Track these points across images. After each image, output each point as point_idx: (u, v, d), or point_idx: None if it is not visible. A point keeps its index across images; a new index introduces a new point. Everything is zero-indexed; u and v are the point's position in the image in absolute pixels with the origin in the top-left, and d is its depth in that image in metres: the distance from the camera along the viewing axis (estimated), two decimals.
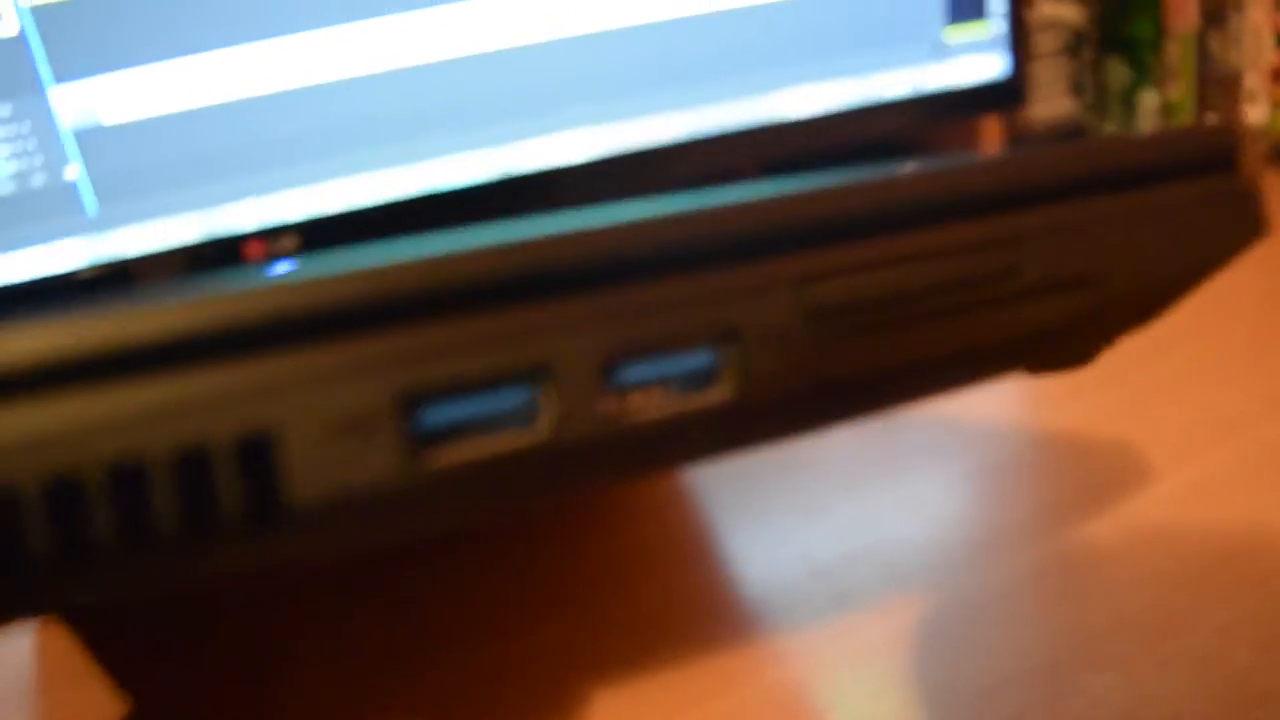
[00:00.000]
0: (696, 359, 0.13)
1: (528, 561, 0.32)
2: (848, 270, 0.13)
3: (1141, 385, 0.39)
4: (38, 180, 0.46)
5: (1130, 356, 0.42)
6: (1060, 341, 0.15)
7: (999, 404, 0.39)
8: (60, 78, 0.44)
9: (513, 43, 0.49)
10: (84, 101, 0.45)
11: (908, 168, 0.15)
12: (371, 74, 0.47)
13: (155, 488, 0.11)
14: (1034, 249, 0.14)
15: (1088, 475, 0.33)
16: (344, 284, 0.12)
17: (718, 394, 0.13)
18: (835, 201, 0.13)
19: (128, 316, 0.11)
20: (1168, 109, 0.65)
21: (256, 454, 0.11)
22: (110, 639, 0.31)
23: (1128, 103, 0.69)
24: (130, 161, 0.46)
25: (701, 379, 0.13)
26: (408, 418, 0.12)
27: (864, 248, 0.14)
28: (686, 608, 0.29)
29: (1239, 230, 0.16)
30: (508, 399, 0.13)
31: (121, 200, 0.46)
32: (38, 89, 0.44)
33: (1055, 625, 0.26)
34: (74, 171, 0.46)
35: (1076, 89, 0.70)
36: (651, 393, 0.13)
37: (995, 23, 0.57)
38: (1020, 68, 0.59)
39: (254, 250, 0.48)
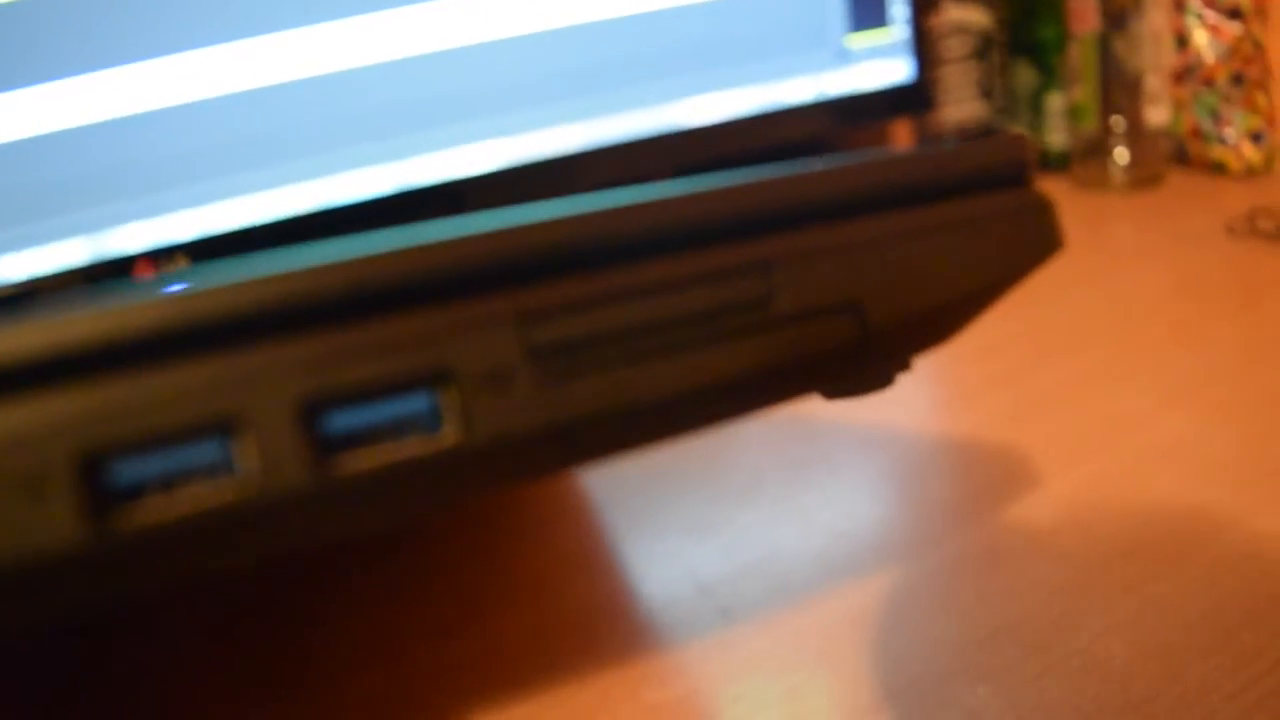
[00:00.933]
0: (412, 403, 0.12)
1: (420, 581, 0.31)
2: (575, 305, 0.13)
3: (1038, 387, 0.39)
4: None
5: (1026, 358, 0.42)
6: (836, 369, 0.14)
7: (895, 411, 0.38)
8: None
9: (411, 52, 0.48)
10: None
11: (679, 188, 0.14)
12: (260, 88, 0.46)
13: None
14: (787, 275, 0.13)
15: (978, 483, 0.33)
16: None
17: (444, 439, 0.12)
18: (561, 231, 0.13)
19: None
20: (1073, 111, 0.66)
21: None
22: (14, 664, 0.30)
23: (1035, 105, 0.70)
24: (13, 184, 0.45)
25: (423, 423, 0.12)
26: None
27: (593, 280, 0.13)
28: (578, 627, 0.28)
29: (1029, 246, 0.15)
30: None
31: (4, 225, 0.45)
32: None
33: (935, 636, 0.26)
34: None
35: (986, 92, 0.71)
36: (367, 443, 0.12)
37: (897, 28, 0.57)
38: (925, 72, 0.60)
39: (144, 271, 0.47)
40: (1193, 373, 0.39)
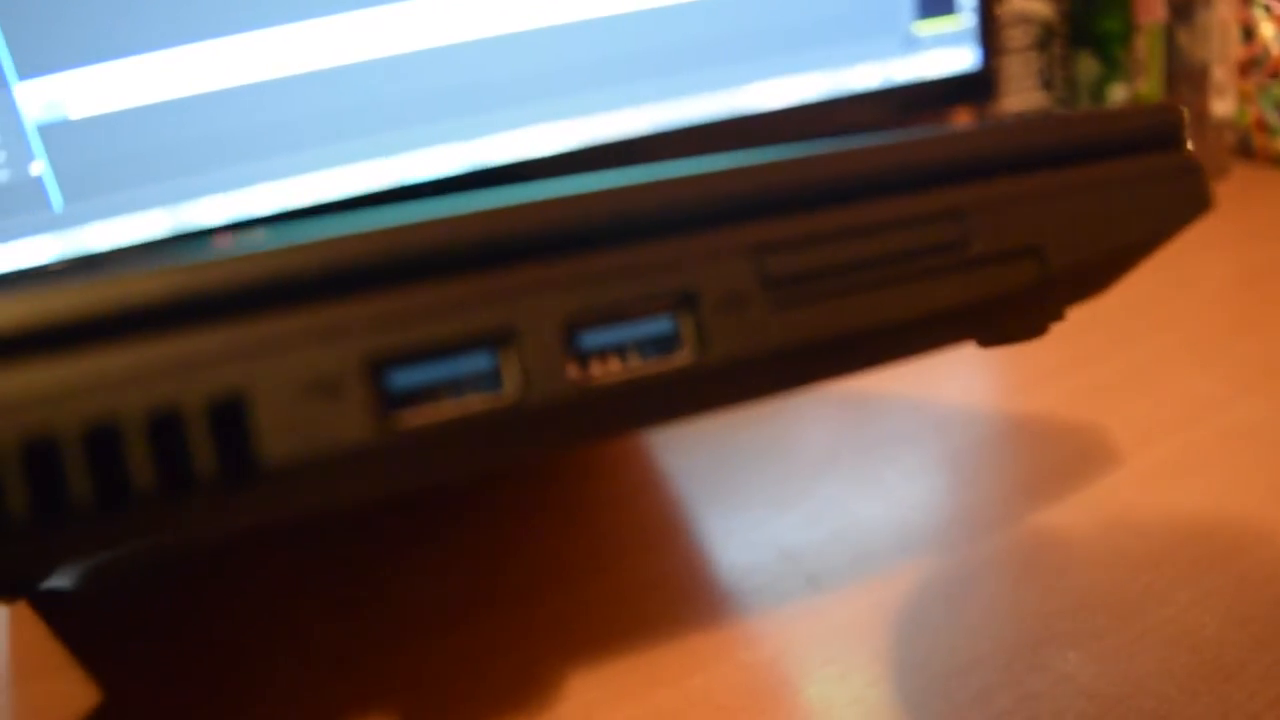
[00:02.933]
0: (657, 325, 0.13)
1: (509, 547, 0.32)
2: (803, 240, 0.14)
3: (1110, 371, 0.39)
4: (2, 176, 0.45)
5: (1099, 343, 0.42)
6: (1010, 311, 0.15)
7: (968, 391, 0.39)
8: (24, 74, 0.44)
9: (485, 34, 0.49)
10: (49, 97, 0.44)
11: (862, 141, 0.15)
12: (339, 67, 0.47)
13: (130, 448, 0.11)
14: (981, 221, 0.14)
15: (1055, 460, 0.33)
16: (311, 251, 0.12)
17: (678, 359, 0.13)
18: (790, 172, 0.14)
19: (101, 284, 0.11)
20: (1137, 102, 0.65)
21: (229, 415, 0.11)
22: (84, 630, 0.31)
23: (1097, 96, 0.70)
24: (96, 156, 0.46)
25: (663, 344, 0.13)
26: (376, 380, 0.12)
27: (818, 218, 0.14)
28: (662, 591, 0.29)
29: (1183, 205, 0.16)
30: (473, 363, 0.13)
31: (88, 196, 0.46)
32: (5, 84, 0.44)
33: (1022, 606, 0.26)
34: (39, 167, 0.45)
35: (1046, 83, 0.71)
36: (613, 358, 0.13)
37: (965, 16, 0.57)
38: (990, 61, 0.60)
39: (223, 244, 0.48)
40: (1261, 360, 0.39)
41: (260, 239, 0.13)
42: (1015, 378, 0.40)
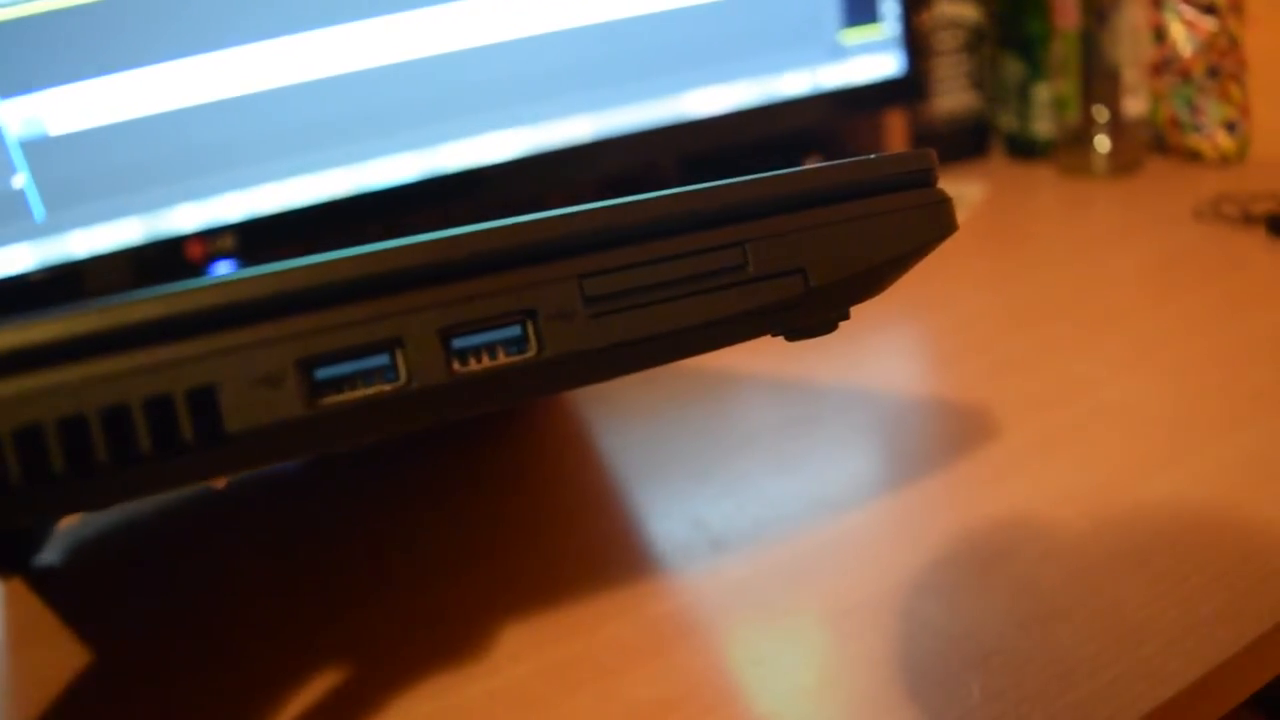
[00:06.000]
0: (510, 331, 0.18)
1: (451, 520, 0.36)
2: (613, 268, 0.19)
3: (1008, 352, 0.43)
4: None
5: (1000, 328, 0.46)
6: (793, 315, 0.20)
7: (883, 374, 0.43)
8: (5, 93, 0.47)
9: (435, 50, 0.52)
10: (29, 113, 0.48)
11: (678, 189, 0.19)
12: (301, 83, 0.51)
13: (136, 422, 0.16)
14: (757, 249, 0.19)
15: (943, 434, 0.37)
16: (261, 283, 0.17)
17: (526, 355, 0.18)
18: (605, 218, 0.19)
19: (118, 308, 0.16)
20: (1058, 101, 0.70)
21: (204, 399, 0.16)
22: (72, 602, 0.35)
23: (1024, 95, 0.74)
24: (75, 169, 0.49)
25: (514, 345, 0.18)
26: (307, 374, 0.17)
27: (625, 252, 0.19)
28: (588, 556, 0.33)
29: (929, 230, 0.21)
30: (377, 361, 0.18)
31: (68, 206, 0.49)
32: None
33: (894, 559, 0.30)
34: (20, 180, 0.48)
35: (977, 84, 0.75)
36: (481, 354, 0.17)
37: (889, 25, 0.61)
38: (917, 66, 0.64)
39: (195, 250, 0.51)
40: (1142, 343, 0.43)
41: (226, 272, 0.17)
42: (925, 361, 0.44)
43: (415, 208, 0.54)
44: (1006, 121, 0.75)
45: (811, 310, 0.20)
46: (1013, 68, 0.74)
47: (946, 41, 0.73)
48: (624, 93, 0.56)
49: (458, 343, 0.18)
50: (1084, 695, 0.25)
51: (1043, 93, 0.72)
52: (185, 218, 0.51)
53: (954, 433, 0.37)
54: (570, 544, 0.34)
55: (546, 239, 0.18)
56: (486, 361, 0.18)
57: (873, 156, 0.20)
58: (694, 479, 0.37)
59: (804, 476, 0.36)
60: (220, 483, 0.23)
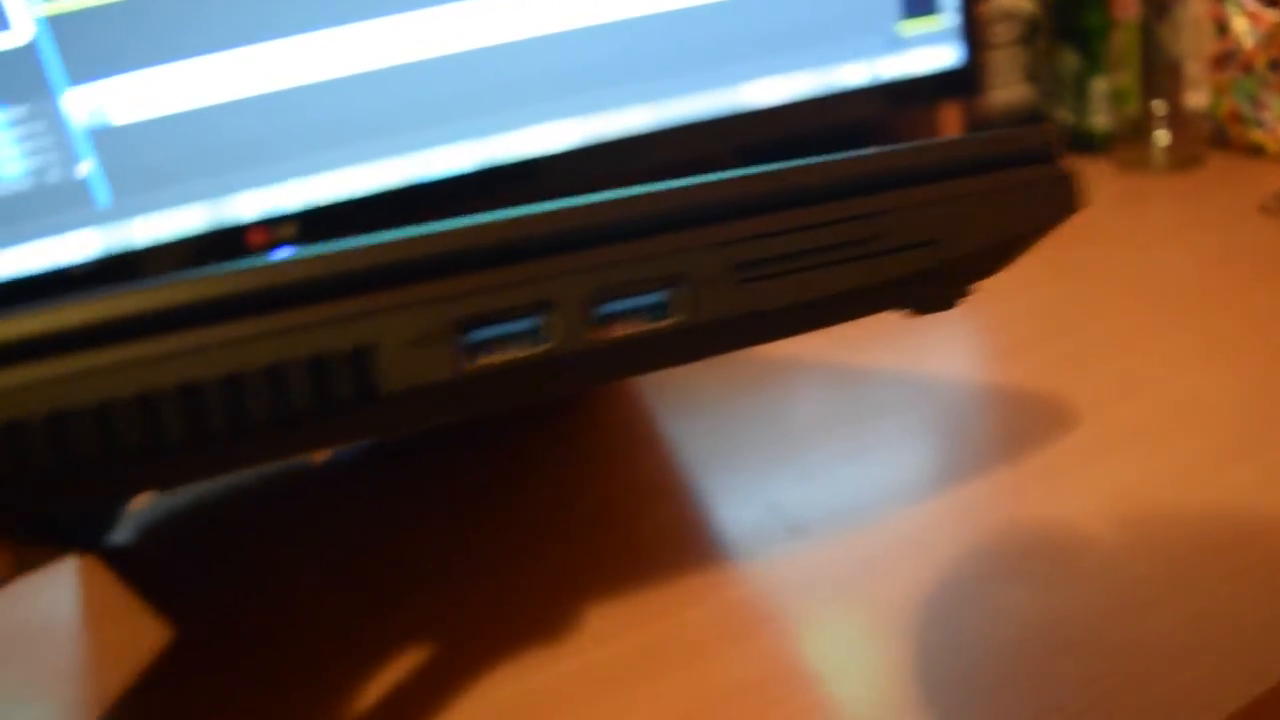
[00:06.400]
0: (653, 298, 0.18)
1: (523, 503, 0.36)
2: (759, 235, 0.18)
3: (1065, 349, 0.43)
4: (53, 176, 0.49)
5: (1068, 320, 0.45)
6: (920, 288, 0.20)
7: (948, 363, 0.42)
8: (74, 81, 0.48)
9: (495, 40, 0.52)
10: (96, 102, 0.48)
11: (809, 159, 0.19)
12: (362, 73, 0.51)
13: (294, 380, 0.16)
14: (893, 220, 0.19)
15: (1015, 425, 0.37)
16: (419, 244, 0.17)
17: (671, 321, 0.18)
18: (751, 185, 0.18)
19: (284, 265, 0.16)
20: (1116, 95, 0.69)
21: (362, 358, 0.16)
22: (149, 576, 0.35)
23: (1079, 89, 0.73)
24: (139, 157, 0.50)
25: (658, 311, 0.18)
26: (459, 336, 0.17)
27: (773, 219, 0.19)
28: (663, 540, 0.33)
29: (1053, 207, 0.21)
30: (524, 324, 0.18)
31: (132, 193, 0.50)
32: (52, 92, 0.48)
33: (972, 548, 0.30)
34: (87, 167, 0.49)
35: (1032, 76, 0.74)
36: (624, 320, 0.18)
37: (948, 16, 0.61)
38: (974, 58, 0.63)
39: (256, 237, 0.52)
40: (1206, 338, 0.42)
41: (382, 235, 0.17)
42: (989, 353, 0.43)
43: (472, 198, 0.54)
44: (1062, 115, 0.75)
45: (941, 284, 0.20)
46: (1069, 60, 0.73)
47: (1002, 34, 0.72)
48: (682, 83, 0.56)
49: (606, 308, 0.18)
50: (1176, 685, 0.24)
51: (1100, 86, 0.72)
52: (247, 206, 0.51)
53: (1022, 425, 0.37)
54: (645, 528, 0.34)
55: (692, 205, 0.18)
56: (632, 327, 0.18)
57: (999, 131, 0.20)
58: (766, 466, 0.36)
59: (877, 464, 0.35)
60: (320, 456, 0.23)
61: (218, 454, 0.16)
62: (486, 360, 0.17)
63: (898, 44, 0.60)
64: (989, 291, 0.51)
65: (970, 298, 0.20)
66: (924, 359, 0.44)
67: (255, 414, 0.16)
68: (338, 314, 0.16)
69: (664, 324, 0.18)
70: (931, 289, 0.20)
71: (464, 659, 0.29)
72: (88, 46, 0.48)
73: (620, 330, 0.18)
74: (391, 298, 0.16)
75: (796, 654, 0.27)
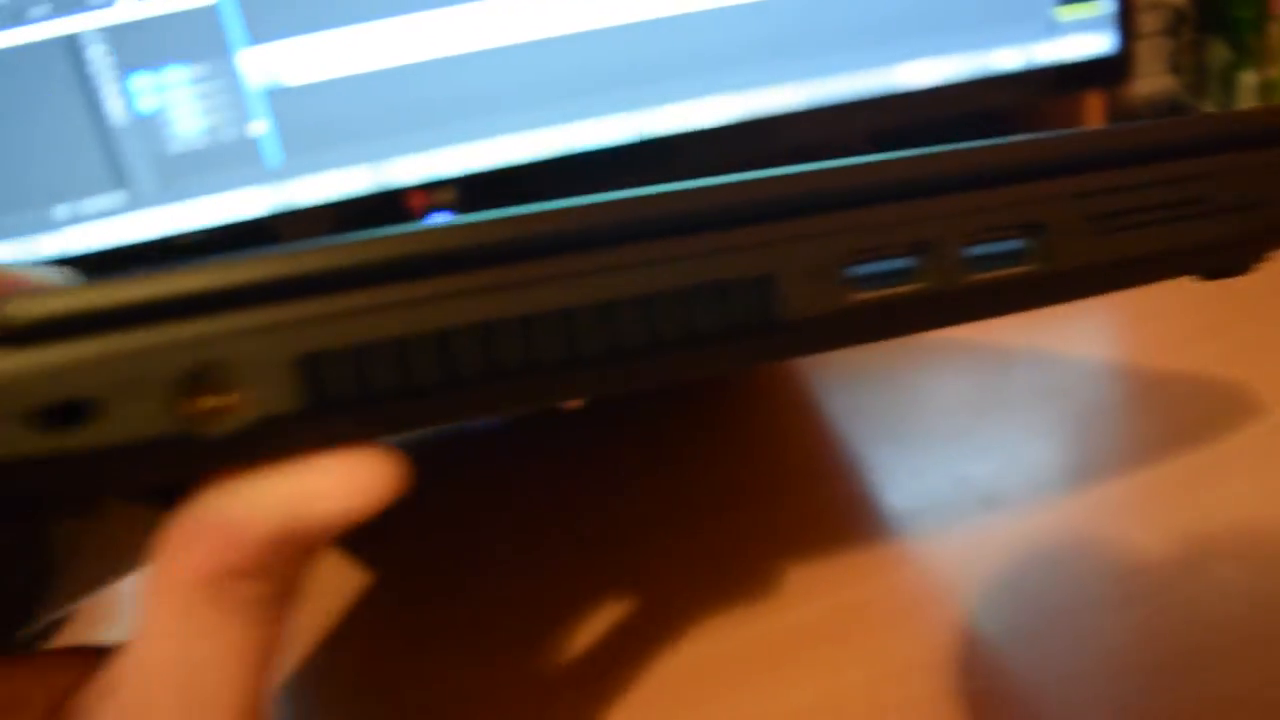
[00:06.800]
0: (1012, 245, 0.19)
1: (697, 473, 0.36)
2: (1104, 190, 0.19)
3: (1247, 338, 0.42)
4: (227, 134, 0.51)
5: (1229, 316, 0.45)
6: (1233, 249, 0.20)
7: (1113, 351, 0.42)
8: (254, 41, 0.49)
9: (654, 14, 0.53)
10: (272, 63, 0.50)
11: (1140, 122, 0.20)
12: (524, 43, 0.52)
13: (701, 305, 0.17)
14: (1224, 181, 0.20)
15: (1201, 410, 0.36)
16: (816, 178, 0.18)
17: (1027, 269, 0.19)
18: (1106, 139, 0.19)
19: (699, 194, 0.17)
20: (1266, 88, 0.67)
21: (764, 286, 0.17)
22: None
23: (1227, 82, 0.71)
24: (310, 118, 0.51)
25: (1013, 258, 0.19)
26: (844, 269, 0.18)
27: (1126, 173, 0.19)
28: (842, 509, 0.33)
29: None
30: (903, 263, 0.18)
31: (300, 153, 0.51)
32: (230, 52, 0.49)
33: (1178, 523, 0.30)
34: (260, 127, 0.50)
35: (1175, 68, 0.73)
36: (988, 265, 0.19)
37: (1104, 2, 0.60)
38: (1127, 46, 0.62)
39: (416, 200, 0.53)
40: None
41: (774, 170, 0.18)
42: (1157, 342, 0.43)
43: (626, 169, 0.54)
44: (1208, 108, 0.73)
45: (1249, 249, 0.20)
46: (1217, 52, 0.71)
47: (1147, 24, 0.71)
48: (835, 62, 0.56)
49: (974, 250, 0.18)
50: None
51: (1249, 79, 0.70)
52: (408, 170, 0.52)
53: (1208, 408, 0.37)
54: (821, 498, 0.34)
55: (1054, 158, 0.19)
56: (995, 272, 0.19)
57: None
58: (942, 440, 0.37)
59: (1063, 443, 0.35)
60: (577, 402, 0.24)
61: (635, 370, 0.17)
62: (866, 295, 0.18)
63: (1054, 29, 0.59)
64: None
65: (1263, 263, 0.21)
66: (1093, 342, 0.43)
67: (668, 334, 0.17)
68: (747, 241, 0.17)
69: (1022, 270, 0.19)
70: (1240, 254, 0.20)
71: (676, 609, 0.30)
72: (268, 7, 0.49)
73: (984, 275, 0.18)
74: (793, 228, 0.17)
75: (1006, 623, 0.28)
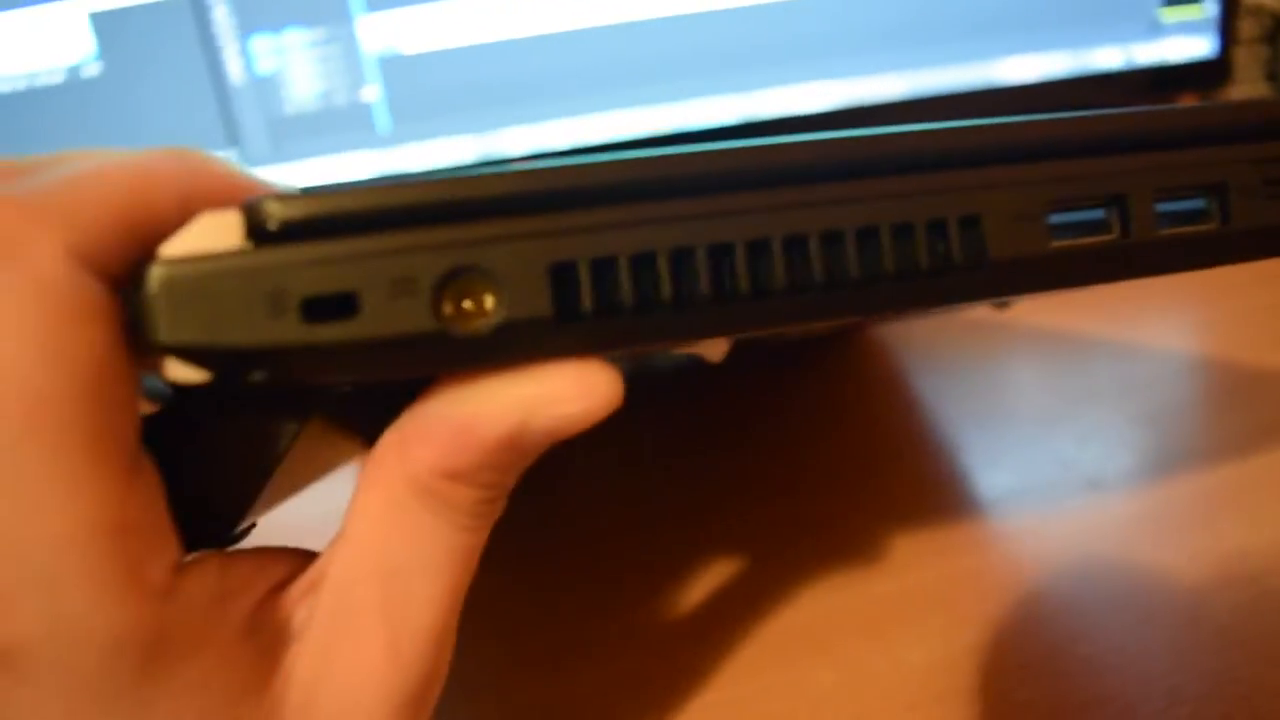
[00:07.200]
0: (1193, 204, 0.20)
1: (794, 446, 0.37)
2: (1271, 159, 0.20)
3: None
4: (340, 99, 0.52)
5: None
6: None
7: (1204, 346, 0.42)
8: (371, 8, 0.50)
9: (761, 1, 0.54)
10: (388, 30, 0.51)
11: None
12: (632, 21, 0.53)
13: (912, 241, 0.18)
14: None
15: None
16: (1023, 130, 0.19)
17: (1207, 227, 0.20)
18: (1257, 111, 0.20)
19: (920, 137, 0.18)
20: None
21: (971, 226, 0.18)
22: None
23: None
24: (421, 86, 0.52)
25: (1196, 217, 0.20)
26: (1045, 217, 0.19)
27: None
28: (940, 489, 0.34)
29: None
30: (1095, 215, 0.19)
31: (410, 120, 0.53)
32: (350, 18, 0.51)
33: (1271, 518, 0.30)
34: (372, 93, 0.52)
35: (1271, 75, 0.72)
36: (1177, 219, 0.20)
37: (1208, 5, 0.60)
38: (1227, 50, 0.62)
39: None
40: None
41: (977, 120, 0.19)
42: (1250, 337, 0.43)
43: None
44: None
45: None
46: None
47: (1246, 30, 0.71)
48: (939, 53, 0.56)
49: (1162, 206, 0.19)
50: None
51: None
52: (515, 141, 0.53)
53: None
54: (936, 471, 0.35)
55: (1238, 123, 0.20)
56: (1181, 228, 0.20)
57: None
58: (1042, 424, 0.37)
59: (1162, 430, 0.36)
60: (717, 356, 0.25)
61: (855, 299, 0.18)
62: (1063, 243, 0.19)
63: (1157, 30, 0.59)
64: (1228, 281, 0.50)
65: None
66: (1182, 338, 0.43)
67: (887, 265, 0.18)
68: (962, 183, 0.18)
69: (1204, 228, 0.20)
70: None
71: (777, 571, 0.31)
72: None
73: (1168, 231, 0.19)
74: (1003, 174, 0.18)
75: (1108, 602, 0.28)
